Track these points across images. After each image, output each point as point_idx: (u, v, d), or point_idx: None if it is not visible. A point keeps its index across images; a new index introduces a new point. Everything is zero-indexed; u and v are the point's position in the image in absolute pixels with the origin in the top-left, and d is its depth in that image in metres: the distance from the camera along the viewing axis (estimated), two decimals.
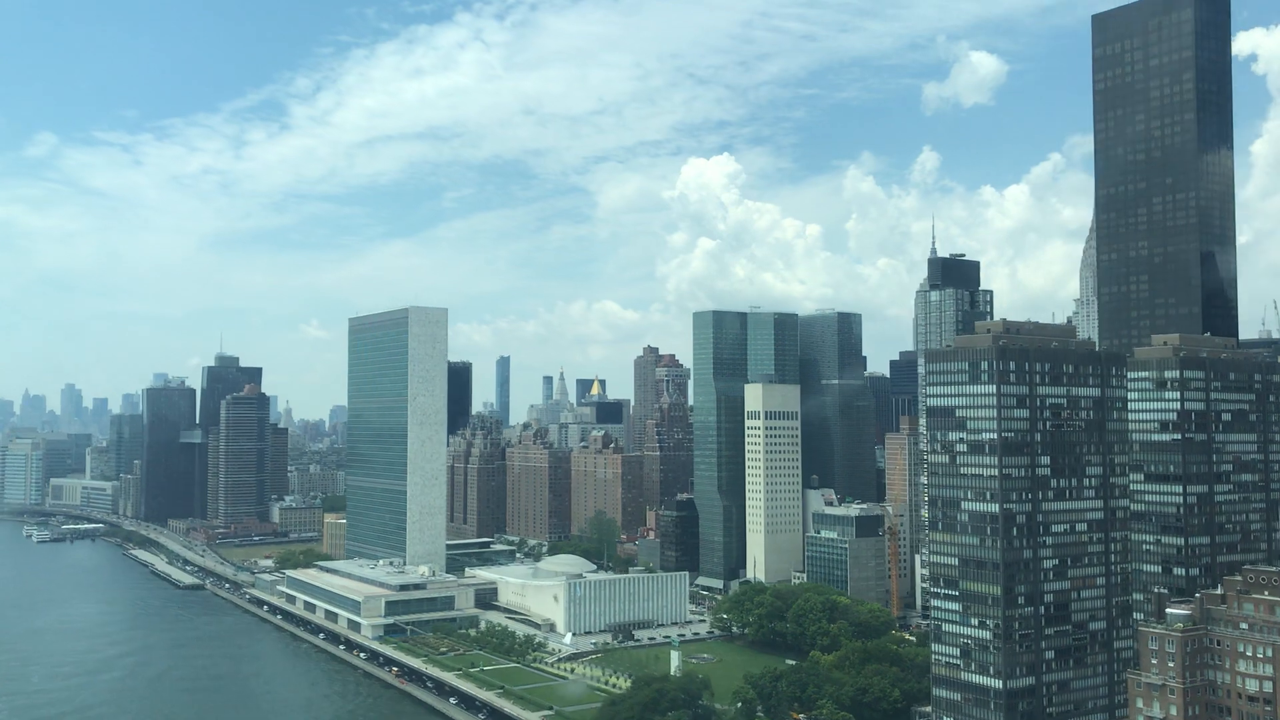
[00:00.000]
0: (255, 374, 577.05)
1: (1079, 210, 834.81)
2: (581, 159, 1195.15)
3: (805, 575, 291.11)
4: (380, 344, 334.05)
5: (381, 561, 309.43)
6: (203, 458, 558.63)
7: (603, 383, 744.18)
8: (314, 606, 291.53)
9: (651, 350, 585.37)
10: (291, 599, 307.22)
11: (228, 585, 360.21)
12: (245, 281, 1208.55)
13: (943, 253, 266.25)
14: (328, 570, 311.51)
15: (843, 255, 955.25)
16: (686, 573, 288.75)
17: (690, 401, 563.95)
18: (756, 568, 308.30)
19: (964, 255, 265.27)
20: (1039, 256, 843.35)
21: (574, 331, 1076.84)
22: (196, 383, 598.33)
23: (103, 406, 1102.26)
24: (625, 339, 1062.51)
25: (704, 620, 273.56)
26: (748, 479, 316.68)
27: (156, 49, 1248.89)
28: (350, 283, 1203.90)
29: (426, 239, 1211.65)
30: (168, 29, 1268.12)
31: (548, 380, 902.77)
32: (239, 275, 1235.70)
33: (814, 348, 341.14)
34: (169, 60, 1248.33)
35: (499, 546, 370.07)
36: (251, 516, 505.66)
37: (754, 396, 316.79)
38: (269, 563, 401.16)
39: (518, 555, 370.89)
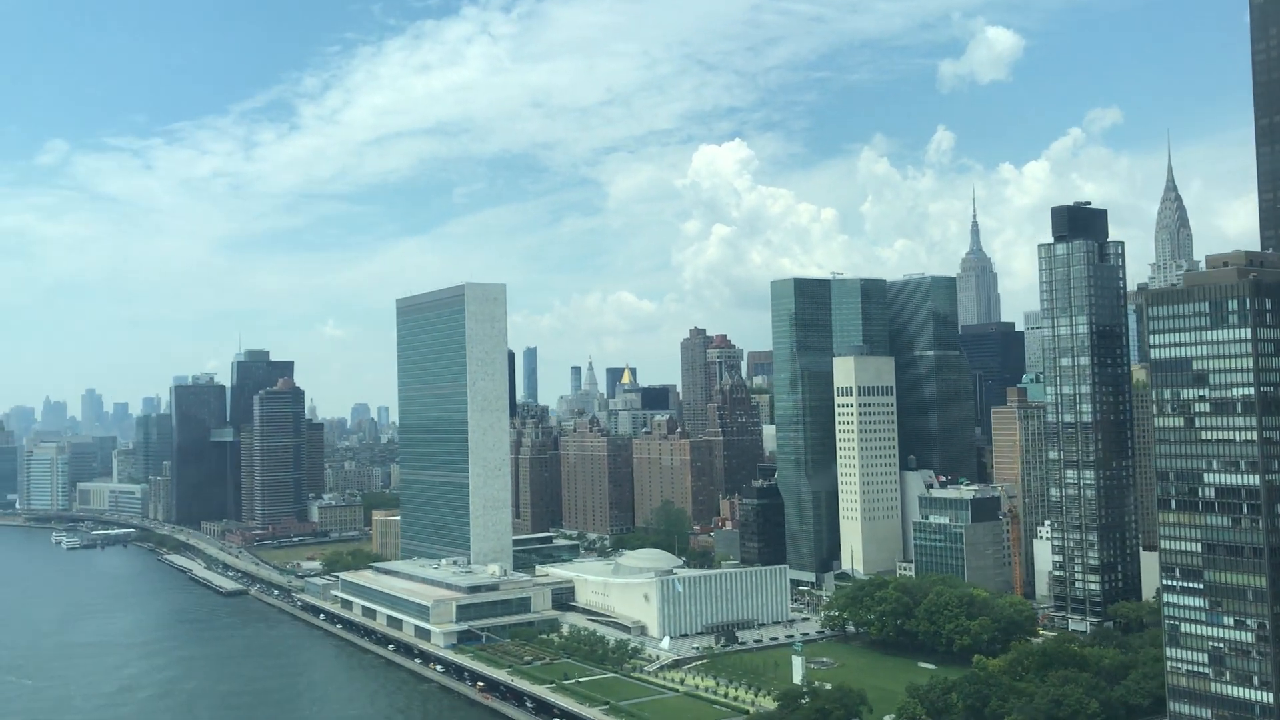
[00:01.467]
0: (287, 368, 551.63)
1: (1101, 186, 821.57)
2: (591, 150, 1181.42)
3: (913, 566, 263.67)
4: (433, 326, 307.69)
5: (444, 561, 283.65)
6: (235, 456, 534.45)
7: (633, 370, 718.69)
8: (374, 612, 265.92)
9: (699, 332, 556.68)
10: (347, 604, 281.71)
11: (275, 591, 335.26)
12: (260, 283, 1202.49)
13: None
14: (386, 572, 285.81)
15: (860, 238, 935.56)
16: (785, 566, 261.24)
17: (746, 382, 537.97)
18: (854, 559, 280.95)
19: (1089, 203, 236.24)
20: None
21: (590, 323, 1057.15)
22: (226, 379, 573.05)
23: (123, 410, 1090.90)
24: (642, 329, 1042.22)
25: (808, 619, 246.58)
26: (840, 462, 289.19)
27: (164, 52, 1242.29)
28: (364, 281, 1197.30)
29: (438, 235, 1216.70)
30: (174, 32, 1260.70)
31: (575, 370, 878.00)
32: (253, 277, 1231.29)
33: (904, 317, 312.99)
34: (176, 63, 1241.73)
35: (561, 541, 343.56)
36: (289, 516, 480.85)
37: (844, 371, 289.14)
38: (314, 565, 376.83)
39: (581, 550, 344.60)
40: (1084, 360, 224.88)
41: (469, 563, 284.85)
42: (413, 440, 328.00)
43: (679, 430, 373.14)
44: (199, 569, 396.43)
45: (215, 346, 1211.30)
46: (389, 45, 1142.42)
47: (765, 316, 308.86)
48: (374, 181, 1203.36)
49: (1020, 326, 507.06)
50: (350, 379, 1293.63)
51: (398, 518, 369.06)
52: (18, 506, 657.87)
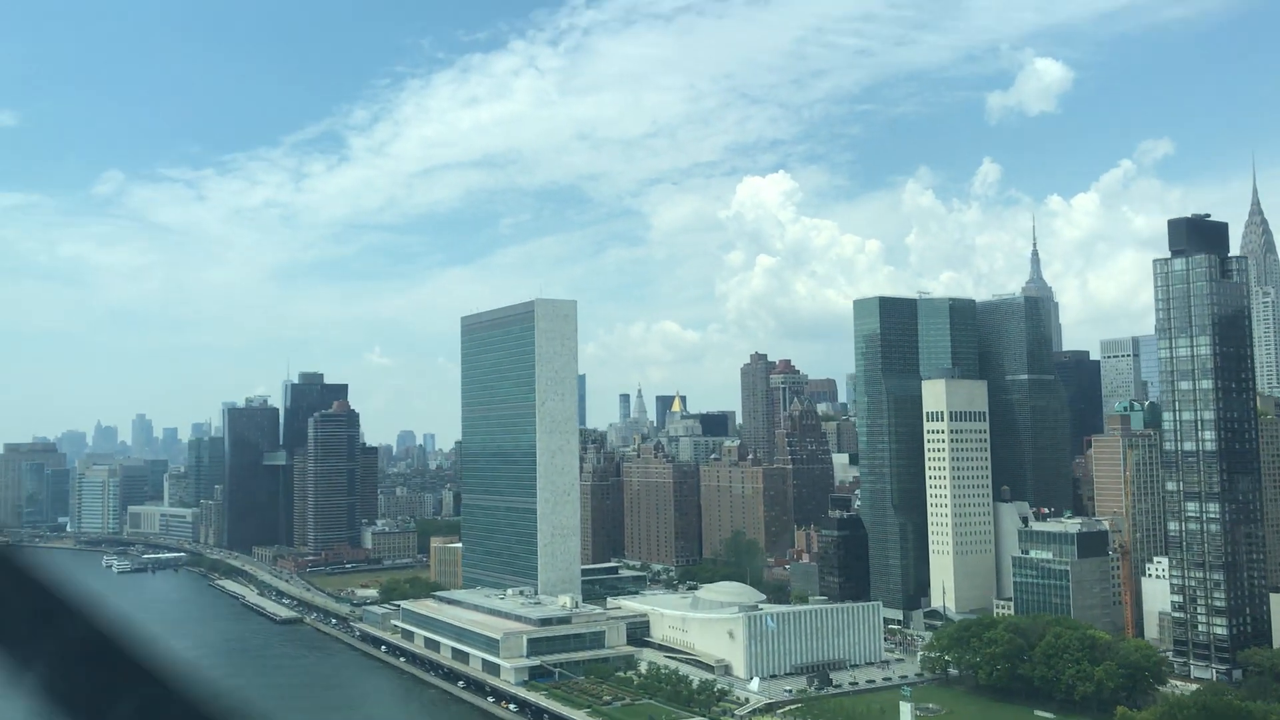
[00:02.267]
0: (340, 391, 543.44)
1: (1152, 218, 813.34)
2: (636, 182, 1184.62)
3: (1011, 604, 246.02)
4: (500, 344, 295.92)
5: (510, 591, 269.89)
6: (288, 481, 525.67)
7: (683, 398, 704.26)
8: (437, 644, 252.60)
9: (759, 357, 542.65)
10: (408, 635, 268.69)
11: (332, 620, 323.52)
12: (308, 312, 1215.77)
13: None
14: (448, 601, 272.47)
15: (905, 269, 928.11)
16: (879, 603, 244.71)
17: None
18: (945, 595, 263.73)
19: (1208, 215, 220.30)
20: (1110, 267, 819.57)
21: (634, 353, 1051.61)
22: (279, 402, 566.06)
23: (173, 436, 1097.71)
24: (687, 358, 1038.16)
25: (901, 659, 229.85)
26: (930, 492, 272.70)
27: (218, 85, 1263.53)
28: (410, 310, 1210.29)
29: (484, 265, 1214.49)
30: (229, 65, 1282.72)
31: (624, 398, 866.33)
32: (302, 306, 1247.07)
33: (993, 339, 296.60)
34: (230, 96, 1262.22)
35: (626, 572, 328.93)
36: (343, 542, 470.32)
37: (934, 394, 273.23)
38: (370, 593, 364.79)
39: (647, 581, 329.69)
40: (1206, 384, 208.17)
41: (536, 593, 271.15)
42: (476, 464, 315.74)
43: (751, 457, 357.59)
44: (251, 595, 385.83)
45: (264, 373, 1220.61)
46: (437, 78, 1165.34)
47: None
48: (421, 212, 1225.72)
49: (1095, 355, 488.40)
50: (396, 406, 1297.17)
51: (458, 545, 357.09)
52: (69, 529, 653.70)
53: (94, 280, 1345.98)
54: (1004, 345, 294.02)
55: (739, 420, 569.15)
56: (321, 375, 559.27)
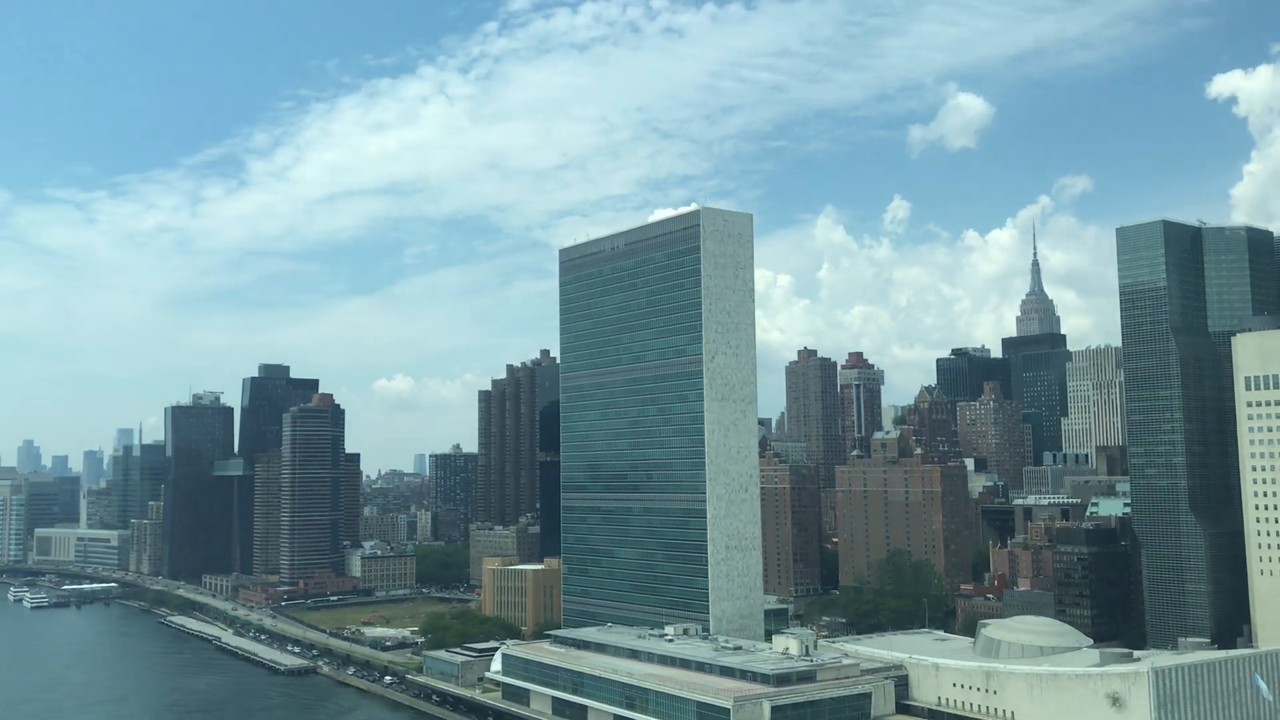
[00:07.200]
0: (312, 385, 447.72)
1: (1068, 254, 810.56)
2: (545, 213, 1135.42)
3: None
4: (634, 279, 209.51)
5: (670, 628, 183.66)
6: (245, 494, 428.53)
7: None
8: (584, 710, 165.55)
9: (809, 353, 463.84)
10: (517, 693, 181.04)
11: (351, 669, 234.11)
12: (202, 341, 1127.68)
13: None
14: (577, 645, 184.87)
15: (818, 304, 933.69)
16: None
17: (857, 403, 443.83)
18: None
19: None
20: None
21: None
22: (234, 401, 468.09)
23: (63, 463, 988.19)
24: None
25: None
26: (1247, 489, 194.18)
27: (113, 104, 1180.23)
28: (309, 341, 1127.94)
29: (387, 296, 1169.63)
30: (124, 84, 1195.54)
31: None
32: (196, 335, 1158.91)
33: None
34: (125, 115, 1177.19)
35: (770, 606, 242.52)
36: (324, 569, 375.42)
37: (1255, 351, 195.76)
38: (386, 631, 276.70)
39: (789, 619, 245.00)
40: None
41: (707, 631, 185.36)
42: (587, 450, 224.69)
43: (917, 453, 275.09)
44: (228, 636, 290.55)
45: (155, 406, 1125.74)
46: (343, 103, 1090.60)
47: None
48: (323, 240, 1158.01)
49: None
50: None
51: (521, 566, 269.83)
52: None
53: None
54: None
55: (783, 426, 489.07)
56: (287, 368, 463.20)
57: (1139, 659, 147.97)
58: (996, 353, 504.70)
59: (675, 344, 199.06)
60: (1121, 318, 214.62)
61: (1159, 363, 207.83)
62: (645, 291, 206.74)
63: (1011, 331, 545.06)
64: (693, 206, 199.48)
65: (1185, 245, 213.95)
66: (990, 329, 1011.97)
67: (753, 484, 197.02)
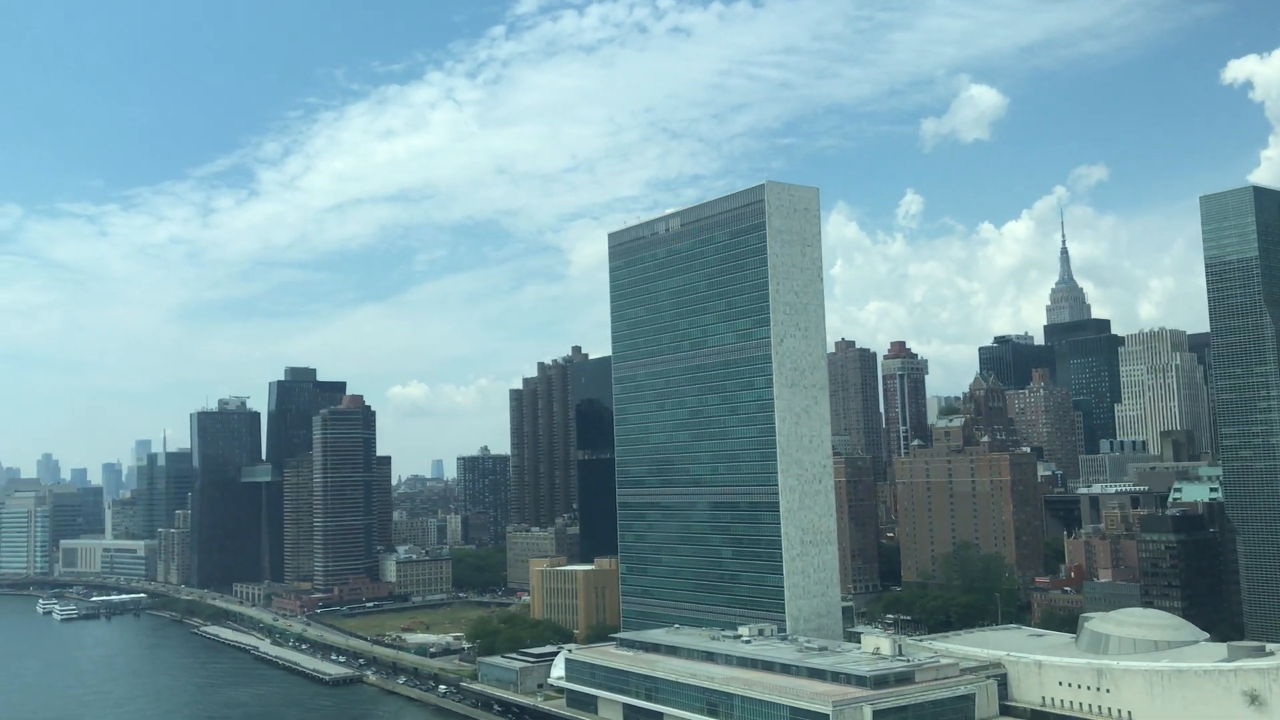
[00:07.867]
0: (339, 388, 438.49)
1: (1084, 244, 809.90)
2: (554, 217, 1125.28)
3: None
4: (694, 260, 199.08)
5: (744, 629, 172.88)
6: (275, 501, 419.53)
7: None
8: (659, 716, 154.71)
9: (847, 344, 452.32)
10: (584, 700, 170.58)
11: (402, 678, 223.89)
12: (215, 352, 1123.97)
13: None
14: (646, 647, 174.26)
15: (832, 300, 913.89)
16: None
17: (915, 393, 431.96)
18: None
19: None
20: (1042, 293, 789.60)
21: None
22: (261, 406, 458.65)
23: (82, 476, 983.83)
24: None
25: None
26: None
27: (123, 117, 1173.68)
28: (322, 350, 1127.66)
29: (398, 303, 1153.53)
30: (135, 96, 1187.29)
31: None
32: (208, 346, 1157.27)
33: None
34: (136, 128, 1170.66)
35: None
36: (359, 575, 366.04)
37: None
38: (432, 637, 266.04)
39: (854, 618, 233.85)
40: None
41: (784, 631, 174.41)
42: (646, 441, 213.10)
43: (984, 440, 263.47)
44: (266, 645, 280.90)
45: (169, 418, 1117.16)
46: (351, 110, 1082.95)
47: None
48: (333, 248, 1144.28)
49: None
50: None
51: (571, 567, 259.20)
52: None
53: None
54: None
55: None
56: (314, 370, 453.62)
57: (1272, 653, 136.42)
58: (1038, 340, 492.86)
59: (740, 327, 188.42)
60: (1208, 290, 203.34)
61: (1252, 338, 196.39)
62: (705, 273, 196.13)
63: (1031, 323, 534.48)
64: (763, 181, 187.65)
65: (1273, 213, 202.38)
66: (1008, 321, 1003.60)
67: (826, 474, 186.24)
